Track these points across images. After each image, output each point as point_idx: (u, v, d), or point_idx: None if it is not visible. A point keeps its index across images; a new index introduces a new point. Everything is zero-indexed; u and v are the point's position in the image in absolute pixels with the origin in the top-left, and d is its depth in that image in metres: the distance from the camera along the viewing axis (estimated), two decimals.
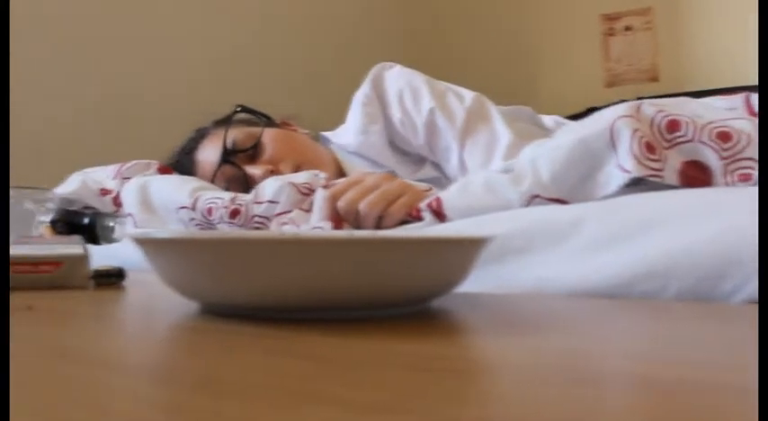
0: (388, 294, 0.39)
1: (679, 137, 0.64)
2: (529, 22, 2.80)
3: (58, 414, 0.22)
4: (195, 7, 1.92)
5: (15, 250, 0.57)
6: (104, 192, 1.06)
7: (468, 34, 2.78)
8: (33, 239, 0.67)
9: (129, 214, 0.98)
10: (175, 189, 0.96)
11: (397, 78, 1.12)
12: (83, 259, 0.57)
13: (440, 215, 0.70)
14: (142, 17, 1.83)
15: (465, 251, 0.41)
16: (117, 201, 1.04)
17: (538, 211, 0.64)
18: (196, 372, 0.27)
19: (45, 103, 1.66)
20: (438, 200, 0.71)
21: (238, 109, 1.20)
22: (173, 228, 0.94)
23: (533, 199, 0.67)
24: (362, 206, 0.76)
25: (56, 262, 0.57)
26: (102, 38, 1.76)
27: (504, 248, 0.57)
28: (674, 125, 0.64)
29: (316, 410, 0.22)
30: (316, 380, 0.26)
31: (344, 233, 0.65)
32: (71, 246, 0.59)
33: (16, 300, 0.50)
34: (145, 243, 0.41)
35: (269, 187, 0.86)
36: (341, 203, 0.78)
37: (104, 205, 1.03)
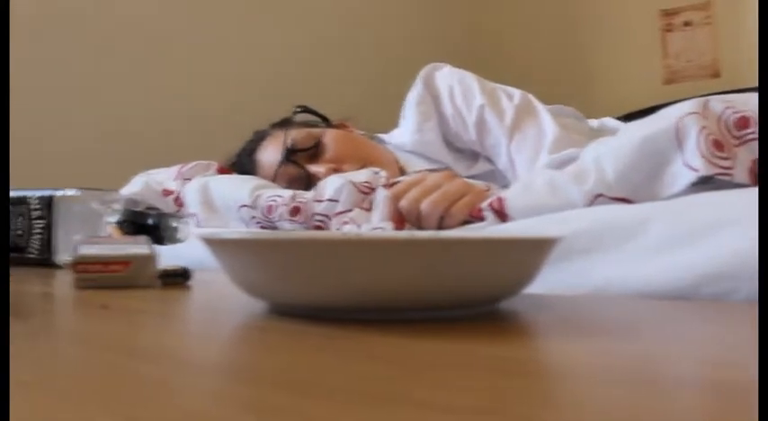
0: (457, 295, 0.39)
1: (749, 134, 0.62)
2: (585, 18, 2.77)
3: (141, 412, 0.22)
4: (250, 12, 1.94)
5: (86, 250, 0.59)
6: (166, 192, 1.08)
7: (522, 33, 2.75)
8: (102, 239, 0.68)
9: (192, 214, 0.99)
10: (236, 188, 0.98)
11: (448, 77, 1.13)
12: (151, 259, 0.58)
13: (502, 215, 0.70)
14: (201, 19, 1.86)
15: (535, 251, 0.41)
16: (179, 202, 1.06)
17: (603, 211, 0.63)
18: (273, 371, 0.27)
19: (107, 108, 1.70)
20: (500, 199, 0.71)
21: (299, 109, 1.21)
22: (234, 226, 0.95)
23: (597, 198, 0.66)
24: (424, 206, 0.76)
25: (125, 261, 0.58)
26: (163, 41, 1.79)
27: (569, 248, 0.56)
28: (743, 122, 0.63)
29: (403, 412, 0.22)
30: (395, 381, 0.26)
31: (409, 233, 0.65)
32: (139, 246, 0.60)
33: (91, 298, 0.51)
34: (214, 243, 0.41)
35: (329, 185, 0.87)
36: (403, 203, 0.78)
37: (167, 205, 1.05)
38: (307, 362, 0.29)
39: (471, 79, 1.12)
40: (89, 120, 1.67)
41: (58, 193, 0.79)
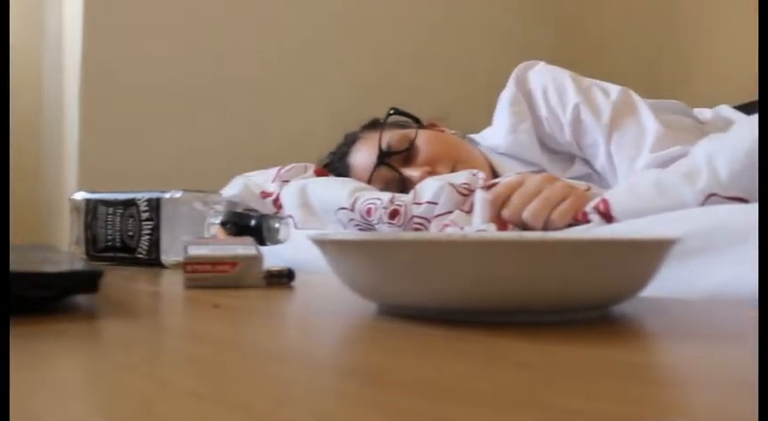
0: (575, 298, 0.38)
1: None
2: (683, 6, 2.67)
3: (272, 412, 0.22)
4: (343, 14, 1.95)
5: (195, 250, 0.60)
6: (265, 194, 1.10)
7: (617, 25, 2.69)
8: (209, 240, 0.70)
9: (290, 216, 1.01)
10: (334, 191, 0.99)
11: (542, 76, 1.10)
12: (257, 259, 0.60)
13: (608, 217, 0.68)
14: (293, 21, 1.88)
15: (653, 253, 0.39)
16: (277, 203, 1.08)
17: (715, 211, 0.60)
18: (399, 373, 0.27)
19: (204, 112, 1.74)
20: (605, 201, 0.69)
21: (392, 111, 1.21)
22: (332, 228, 0.96)
23: (709, 198, 0.64)
24: (527, 215, 0.75)
25: (233, 262, 0.59)
26: (259, 43, 1.82)
27: (682, 249, 0.54)
28: None
29: (542, 418, 0.21)
30: (526, 385, 0.25)
31: (518, 234, 0.64)
32: (246, 247, 0.61)
33: (202, 297, 0.52)
34: (327, 244, 0.42)
35: (428, 188, 0.86)
36: (505, 212, 0.76)
37: (265, 207, 1.07)
38: (431, 364, 0.29)
39: (565, 77, 1.09)
40: (189, 122, 1.72)
41: (166, 195, 0.81)
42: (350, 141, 1.24)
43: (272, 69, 1.84)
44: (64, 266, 0.50)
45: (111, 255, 0.84)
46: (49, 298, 0.44)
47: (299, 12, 1.91)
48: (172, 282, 0.67)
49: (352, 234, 0.60)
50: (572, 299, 0.38)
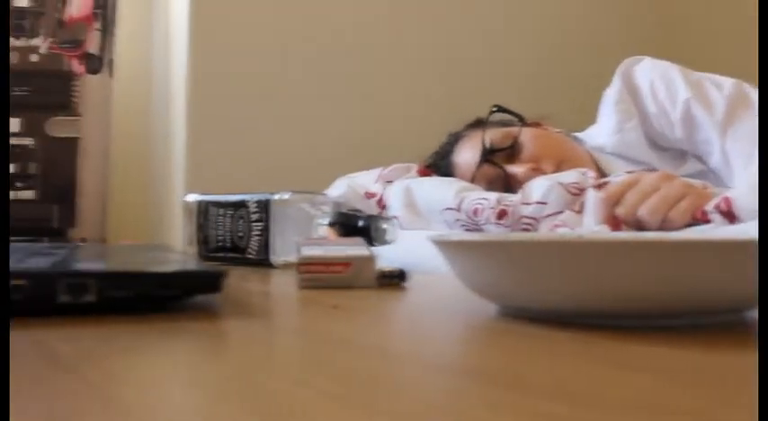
0: (706, 301, 0.36)
1: None
2: None
3: (398, 411, 0.22)
4: (439, 11, 1.94)
5: (309, 251, 0.61)
6: (369, 195, 1.11)
7: (719, 13, 2.58)
8: (320, 241, 0.71)
9: (395, 216, 1.01)
10: (440, 191, 0.98)
11: (649, 71, 1.07)
12: (370, 260, 0.60)
13: (730, 216, 0.65)
14: (389, 22, 1.89)
15: None
16: (381, 204, 1.08)
17: None
18: (535, 378, 0.27)
19: (307, 115, 1.77)
20: (727, 200, 0.66)
21: (494, 109, 1.20)
22: (437, 229, 0.96)
23: None
24: (643, 213, 0.73)
25: (346, 262, 0.59)
26: (353, 47, 1.84)
27: None
28: None
29: None
30: (658, 390, 0.25)
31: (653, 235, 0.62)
32: (358, 248, 0.62)
33: (319, 298, 0.53)
34: (447, 245, 0.41)
35: (537, 188, 0.85)
36: (620, 210, 0.74)
37: (369, 208, 1.07)
38: (563, 367, 0.28)
39: (674, 71, 1.05)
40: (292, 125, 1.75)
41: (275, 197, 0.82)
42: (453, 140, 1.23)
43: (375, 68, 1.85)
44: (188, 266, 0.52)
45: (222, 255, 0.86)
46: (174, 297, 0.45)
47: (411, 10, 1.91)
48: (284, 283, 0.68)
49: (473, 235, 0.59)
50: (703, 302, 0.37)
